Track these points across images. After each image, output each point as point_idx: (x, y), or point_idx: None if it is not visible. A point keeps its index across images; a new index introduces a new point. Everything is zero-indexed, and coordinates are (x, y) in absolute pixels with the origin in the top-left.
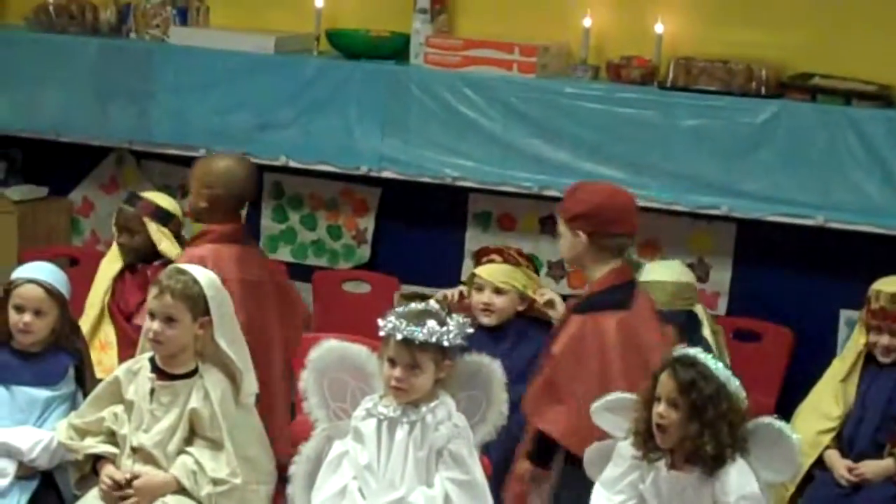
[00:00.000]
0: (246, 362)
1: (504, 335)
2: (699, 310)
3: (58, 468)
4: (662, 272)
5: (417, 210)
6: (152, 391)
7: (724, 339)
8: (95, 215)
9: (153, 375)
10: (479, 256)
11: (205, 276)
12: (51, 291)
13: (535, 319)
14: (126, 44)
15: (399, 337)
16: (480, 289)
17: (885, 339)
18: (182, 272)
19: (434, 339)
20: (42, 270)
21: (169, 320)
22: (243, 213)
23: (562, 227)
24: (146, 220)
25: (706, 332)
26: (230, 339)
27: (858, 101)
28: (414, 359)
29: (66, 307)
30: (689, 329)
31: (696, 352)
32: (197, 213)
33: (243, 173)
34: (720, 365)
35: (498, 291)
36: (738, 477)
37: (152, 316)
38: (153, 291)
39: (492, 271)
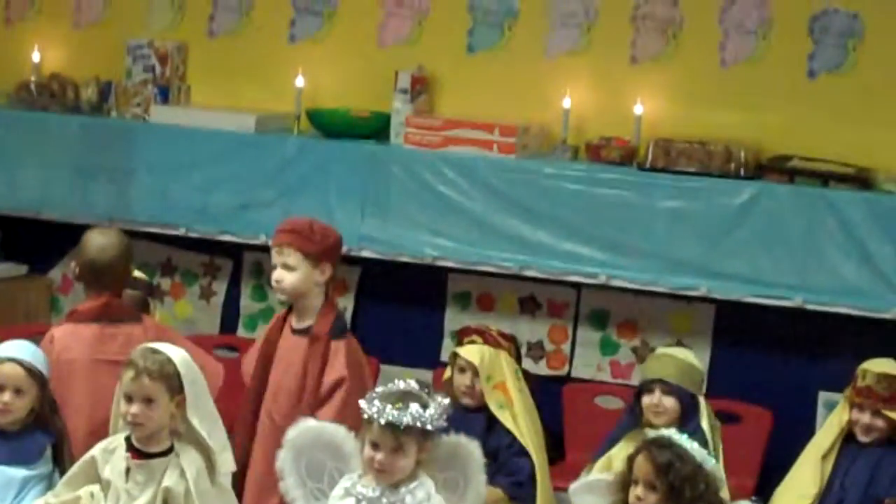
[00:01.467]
0: (220, 440)
1: (476, 420)
2: (702, 401)
3: None
4: (676, 351)
5: (397, 289)
6: (128, 470)
7: (720, 437)
8: (74, 293)
9: (128, 454)
10: (461, 336)
11: (178, 355)
12: (31, 371)
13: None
14: (107, 122)
15: (383, 421)
16: (462, 370)
17: (866, 418)
18: (155, 352)
19: (419, 424)
20: (22, 349)
21: (148, 401)
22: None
23: (295, 261)
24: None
25: (704, 423)
26: (202, 417)
27: (836, 183)
28: (398, 442)
29: (46, 386)
30: (689, 412)
31: (671, 433)
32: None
33: (108, 243)
34: (695, 445)
35: (478, 374)
36: None
37: (129, 399)
38: (129, 373)
39: (471, 353)
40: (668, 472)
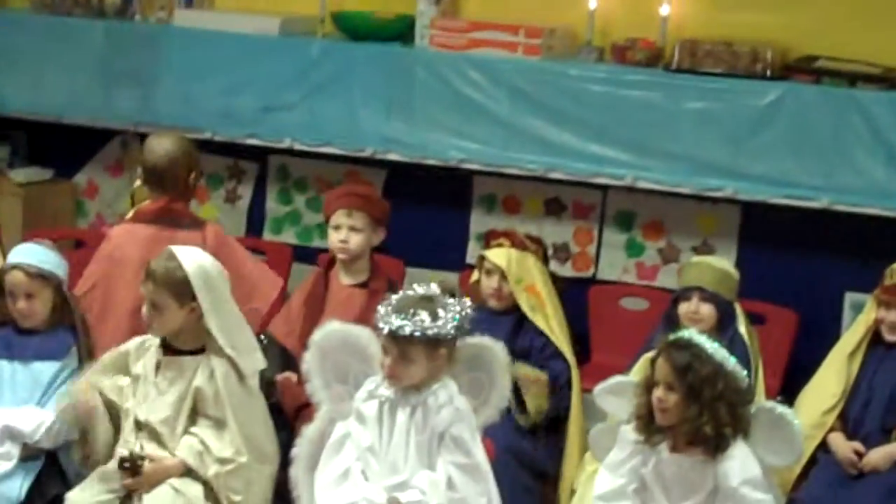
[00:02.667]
0: (246, 344)
1: (504, 323)
2: (738, 308)
3: (62, 448)
4: (713, 259)
5: (422, 192)
6: (158, 365)
7: (757, 341)
8: (100, 198)
9: (161, 349)
10: (488, 239)
11: (193, 262)
12: (37, 275)
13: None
14: (131, 26)
15: (385, 330)
16: (489, 273)
17: (893, 316)
18: (171, 258)
19: (419, 333)
20: (26, 253)
21: (154, 306)
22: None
23: (363, 224)
24: None
25: (742, 328)
26: (222, 324)
27: (863, 83)
28: (403, 351)
29: (60, 286)
30: (726, 319)
31: (690, 334)
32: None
33: (163, 150)
34: (716, 345)
35: (506, 277)
36: (741, 460)
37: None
38: (143, 273)
39: (498, 256)
40: (687, 372)
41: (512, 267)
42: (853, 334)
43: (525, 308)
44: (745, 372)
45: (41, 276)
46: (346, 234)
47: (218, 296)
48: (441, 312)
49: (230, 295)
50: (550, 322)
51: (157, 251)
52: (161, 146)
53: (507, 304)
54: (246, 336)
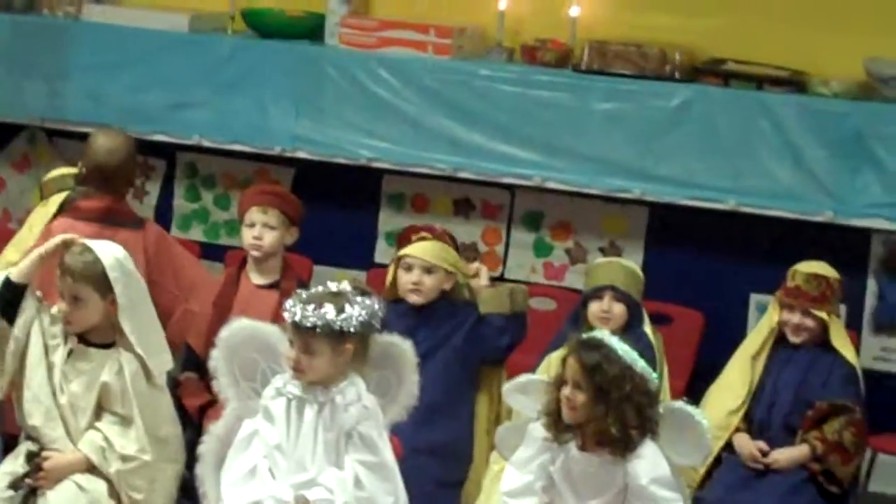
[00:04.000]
0: (156, 343)
1: (430, 314)
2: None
3: None
4: (621, 260)
5: (331, 191)
6: (70, 352)
7: (663, 344)
8: (7, 193)
9: (75, 337)
10: (408, 234)
11: (109, 256)
12: None
13: (457, 300)
14: (40, 21)
15: (289, 320)
16: (409, 268)
17: (796, 318)
18: (86, 250)
19: (323, 325)
20: None
21: (75, 300)
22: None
23: (277, 222)
24: None
25: (648, 329)
26: (135, 321)
27: (771, 86)
28: (307, 343)
29: None
30: (635, 317)
31: (602, 334)
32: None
33: (110, 149)
34: (626, 347)
35: (428, 271)
36: (650, 459)
37: (61, 296)
38: (58, 272)
39: (424, 249)
40: (596, 372)
41: (442, 258)
42: (757, 336)
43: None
44: (654, 374)
45: None
46: (260, 230)
47: (134, 291)
48: (348, 308)
49: (146, 293)
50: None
51: None
52: (108, 145)
53: (428, 297)
54: (157, 335)
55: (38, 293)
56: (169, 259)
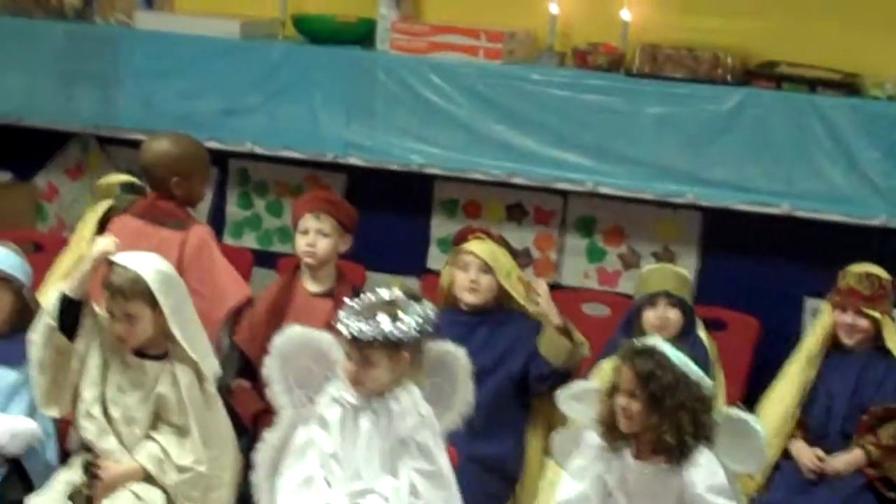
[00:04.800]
0: (203, 348)
1: (482, 323)
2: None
3: (26, 455)
4: (668, 265)
5: (383, 197)
6: (125, 364)
7: (717, 349)
8: (60, 200)
9: (129, 350)
10: (464, 234)
11: (150, 269)
12: None
13: (509, 310)
14: (92, 28)
15: (346, 334)
16: (466, 267)
17: (848, 318)
18: (125, 270)
19: (380, 337)
20: None
21: (129, 318)
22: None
23: (330, 229)
24: None
25: (702, 333)
26: (183, 327)
27: (824, 89)
28: (364, 355)
29: (21, 290)
30: (689, 322)
31: (655, 341)
32: None
33: (152, 149)
34: (680, 354)
35: (485, 270)
36: (706, 467)
37: (112, 315)
38: (106, 293)
39: (482, 249)
40: (650, 380)
41: (499, 260)
42: (812, 339)
43: (519, 298)
44: (709, 381)
45: (1, 279)
46: (314, 237)
47: (178, 299)
48: (402, 316)
49: (189, 298)
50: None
51: (140, 245)
52: (152, 145)
53: (484, 297)
54: (204, 339)
55: (97, 308)
56: (204, 265)
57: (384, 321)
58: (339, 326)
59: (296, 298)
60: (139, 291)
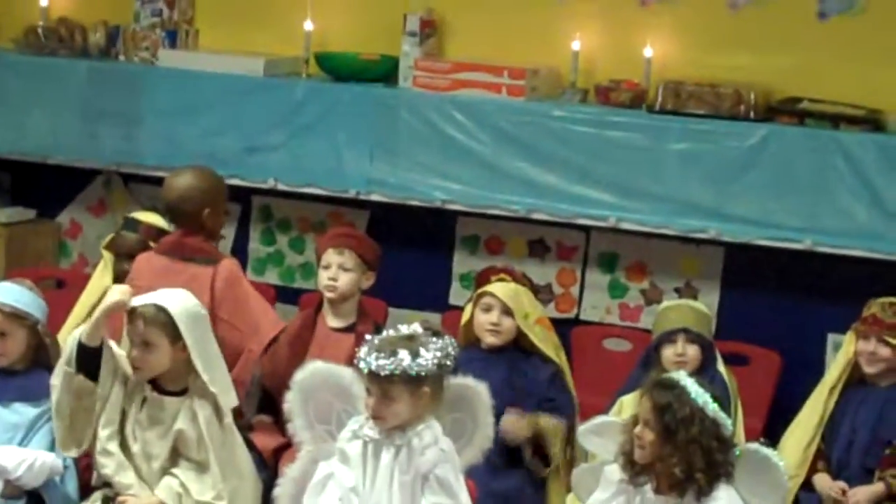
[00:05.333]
0: (223, 382)
1: (501, 361)
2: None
3: (44, 487)
4: (689, 301)
5: (405, 233)
6: (144, 400)
7: (736, 384)
8: (83, 238)
9: (149, 385)
10: (486, 275)
11: (175, 303)
12: (10, 314)
13: (528, 349)
14: (115, 66)
15: (365, 370)
16: (488, 309)
17: (870, 346)
18: (154, 301)
19: (400, 372)
20: (2, 292)
21: (145, 345)
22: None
23: (353, 264)
24: (151, 244)
25: (721, 368)
26: (206, 362)
27: (847, 124)
28: (385, 390)
29: (36, 326)
30: (709, 358)
31: (678, 375)
32: None
33: (177, 185)
34: (700, 390)
35: (507, 312)
36: (725, 503)
37: (131, 341)
38: (127, 318)
39: (505, 291)
40: (665, 412)
41: (520, 301)
42: (835, 369)
43: (537, 340)
44: (728, 419)
45: (15, 316)
46: (336, 272)
47: (201, 334)
48: (422, 351)
49: (211, 333)
50: (560, 355)
51: (170, 281)
52: (176, 181)
53: (505, 339)
54: (223, 373)
55: (116, 347)
56: (237, 298)
57: (404, 356)
58: (359, 363)
59: (317, 333)
60: (160, 322)
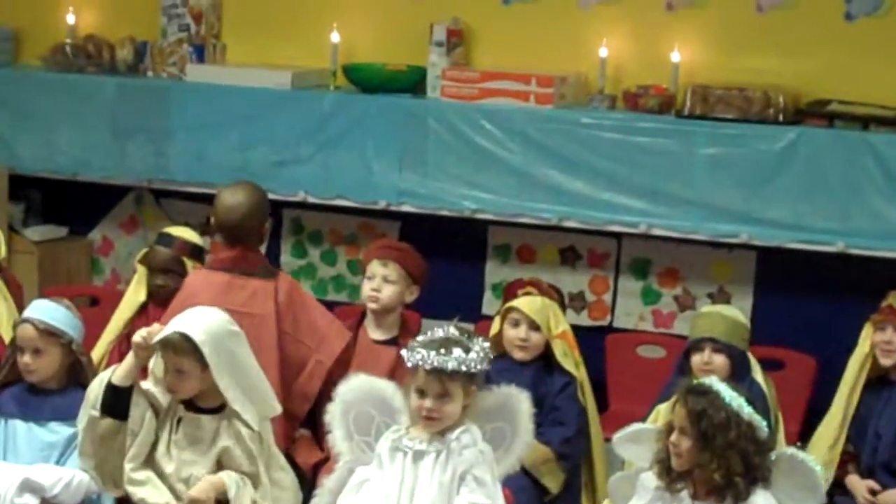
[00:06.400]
0: (261, 392)
1: (526, 372)
2: (752, 357)
3: None
4: (723, 308)
5: (437, 243)
6: (179, 420)
7: (775, 391)
8: (115, 254)
9: (181, 405)
10: (514, 289)
11: (198, 328)
12: (45, 331)
13: (554, 368)
14: (143, 82)
15: (428, 367)
16: (516, 324)
17: (887, 335)
18: (178, 329)
19: (463, 368)
20: (38, 309)
21: (179, 373)
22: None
23: (396, 276)
24: (185, 259)
25: (759, 377)
26: (233, 380)
27: (876, 126)
28: (444, 388)
29: (71, 344)
30: (740, 369)
31: (711, 381)
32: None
33: (236, 204)
34: (734, 394)
35: (535, 327)
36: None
37: (166, 370)
38: (159, 346)
39: (532, 306)
40: (701, 419)
41: (546, 315)
42: (853, 364)
43: (558, 355)
44: (763, 422)
45: (50, 333)
46: (379, 283)
47: (229, 354)
48: (473, 348)
49: (246, 348)
50: (580, 368)
51: (231, 298)
52: (233, 198)
53: (533, 354)
54: (261, 388)
55: (147, 386)
56: (301, 310)
57: (459, 353)
58: (418, 360)
59: (359, 346)
60: (187, 349)
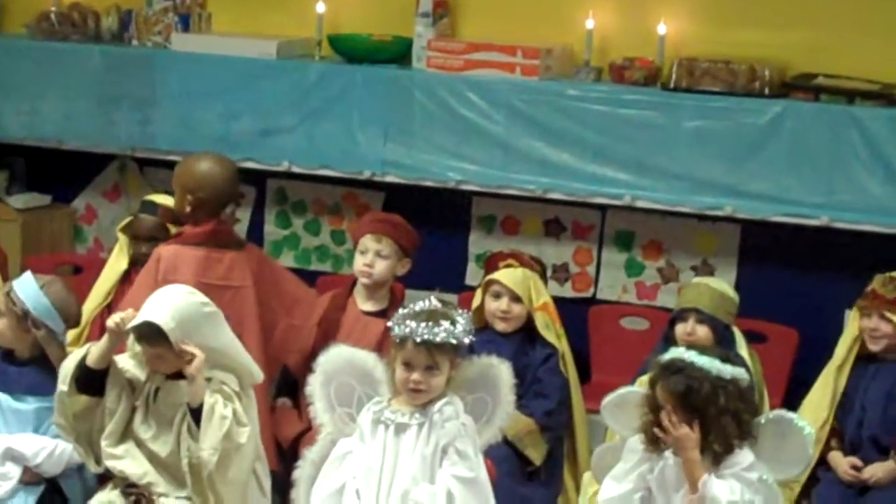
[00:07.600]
0: (240, 359)
1: (508, 344)
2: (737, 331)
3: (63, 475)
4: (712, 280)
5: (421, 214)
6: (157, 390)
7: (759, 363)
8: (98, 223)
9: (160, 375)
10: (494, 261)
11: (163, 314)
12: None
13: (536, 339)
14: (128, 51)
15: (418, 340)
16: (497, 296)
17: (873, 322)
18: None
19: (452, 340)
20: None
21: (159, 357)
22: (230, 213)
23: (390, 252)
24: (169, 226)
25: (743, 352)
26: (213, 353)
27: (862, 100)
28: (432, 360)
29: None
30: (724, 342)
31: (679, 353)
32: (182, 216)
33: (223, 175)
34: (706, 358)
35: (516, 299)
36: (737, 458)
37: (148, 358)
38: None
39: (513, 278)
40: (688, 397)
41: (527, 287)
42: (841, 347)
43: (540, 327)
44: (743, 372)
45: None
46: (372, 258)
47: (201, 339)
48: (458, 319)
49: (222, 327)
50: (562, 340)
51: (209, 272)
52: (209, 170)
53: (515, 325)
54: (241, 361)
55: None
56: (271, 277)
57: (446, 325)
58: (406, 332)
59: (348, 316)
60: (162, 337)
